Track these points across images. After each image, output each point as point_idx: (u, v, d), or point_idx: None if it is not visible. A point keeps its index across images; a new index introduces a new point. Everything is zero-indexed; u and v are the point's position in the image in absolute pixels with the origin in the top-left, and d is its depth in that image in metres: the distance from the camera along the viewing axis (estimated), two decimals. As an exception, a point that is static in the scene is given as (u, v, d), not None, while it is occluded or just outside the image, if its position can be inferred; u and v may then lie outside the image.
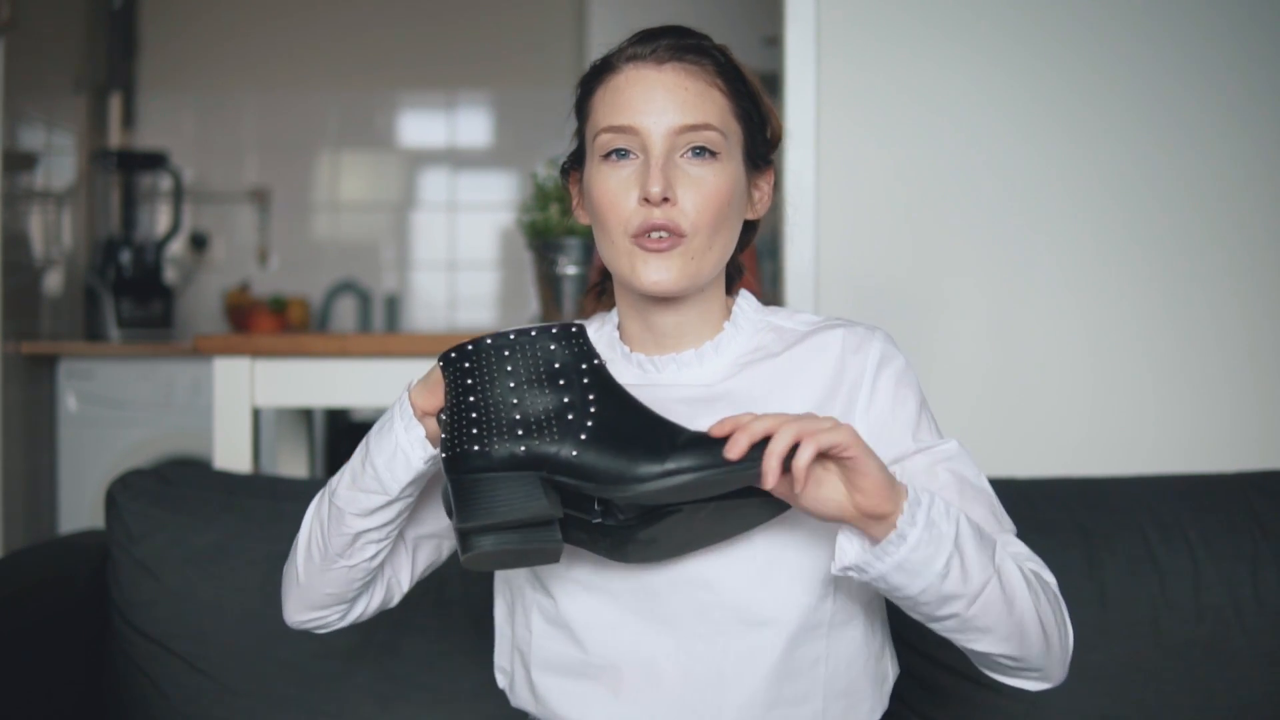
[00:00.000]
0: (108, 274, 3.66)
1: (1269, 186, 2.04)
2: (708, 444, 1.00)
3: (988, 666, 1.15)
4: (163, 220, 3.99)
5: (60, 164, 3.57)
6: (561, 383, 1.04)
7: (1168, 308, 2.04)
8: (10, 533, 3.02)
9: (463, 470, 1.02)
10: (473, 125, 4.21)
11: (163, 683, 1.59)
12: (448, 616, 1.58)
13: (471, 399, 1.04)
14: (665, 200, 1.13)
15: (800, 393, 1.18)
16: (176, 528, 1.62)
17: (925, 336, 2.05)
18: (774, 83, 2.18)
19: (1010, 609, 1.09)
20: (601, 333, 1.28)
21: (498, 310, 4.13)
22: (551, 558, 1.05)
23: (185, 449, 3.37)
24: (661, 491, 0.99)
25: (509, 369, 1.05)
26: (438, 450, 1.09)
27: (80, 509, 3.32)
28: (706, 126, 1.16)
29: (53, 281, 3.45)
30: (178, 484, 1.67)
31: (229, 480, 1.73)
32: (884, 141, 2.08)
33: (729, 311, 1.23)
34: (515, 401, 1.04)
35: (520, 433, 1.02)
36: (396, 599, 1.27)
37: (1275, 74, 2.04)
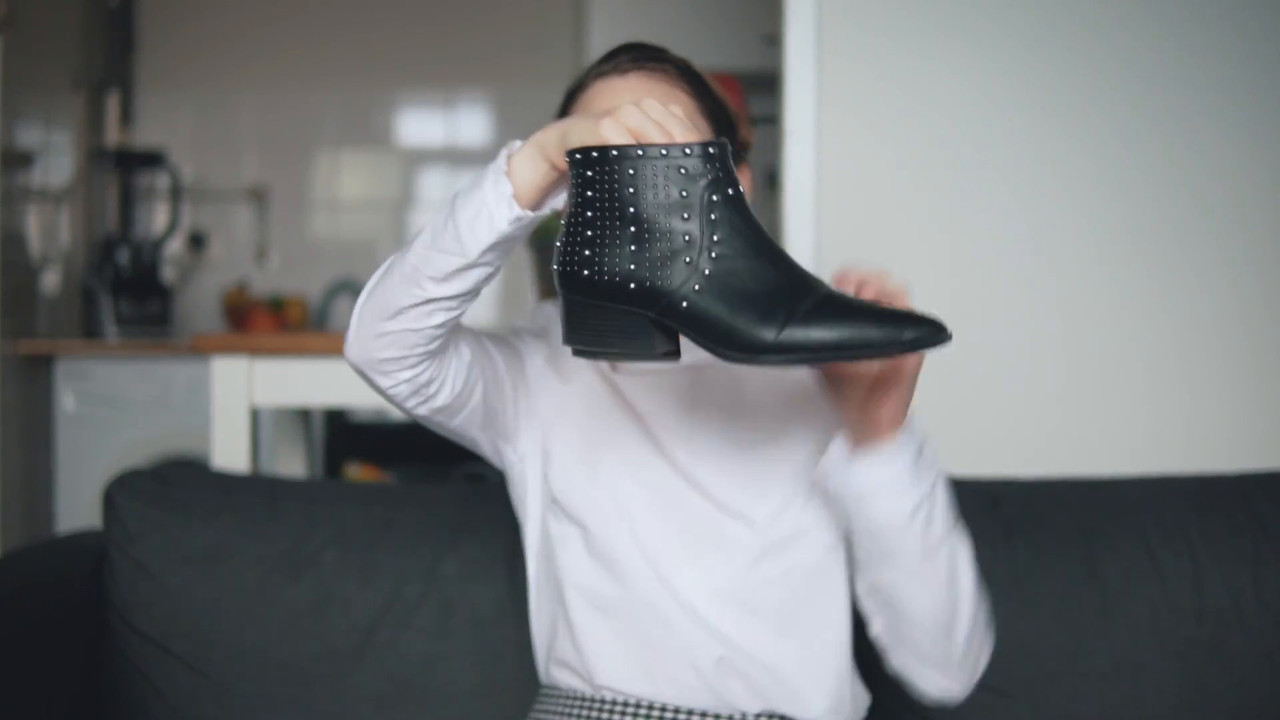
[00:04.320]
0: (105, 273, 3.65)
1: (1270, 185, 2.03)
2: (834, 312, 0.91)
3: (903, 646, 1.20)
4: (160, 219, 3.98)
5: (58, 162, 3.56)
6: (685, 215, 0.92)
7: (1169, 307, 2.04)
8: (8, 533, 3.02)
9: (570, 290, 0.95)
10: (471, 124, 4.21)
11: (160, 683, 1.58)
12: (447, 616, 1.57)
13: (590, 213, 0.94)
14: None
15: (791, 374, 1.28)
16: (174, 528, 1.61)
17: (925, 336, 2.05)
18: (774, 82, 2.18)
19: (952, 585, 1.15)
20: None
21: (496, 309, 4.13)
22: (662, 361, 0.99)
23: (183, 449, 3.36)
24: (772, 364, 0.92)
25: (631, 190, 0.93)
26: (525, 211, 1.03)
27: (78, 509, 3.32)
28: None
29: (50, 280, 3.45)
30: (176, 484, 1.66)
31: (227, 480, 1.72)
32: (885, 140, 2.07)
33: None
34: (633, 229, 0.93)
35: (633, 266, 0.93)
36: (442, 395, 1.21)
37: (1276, 71, 2.03)
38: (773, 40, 2.42)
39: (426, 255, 1.07)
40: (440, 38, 4.10)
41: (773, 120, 2.23)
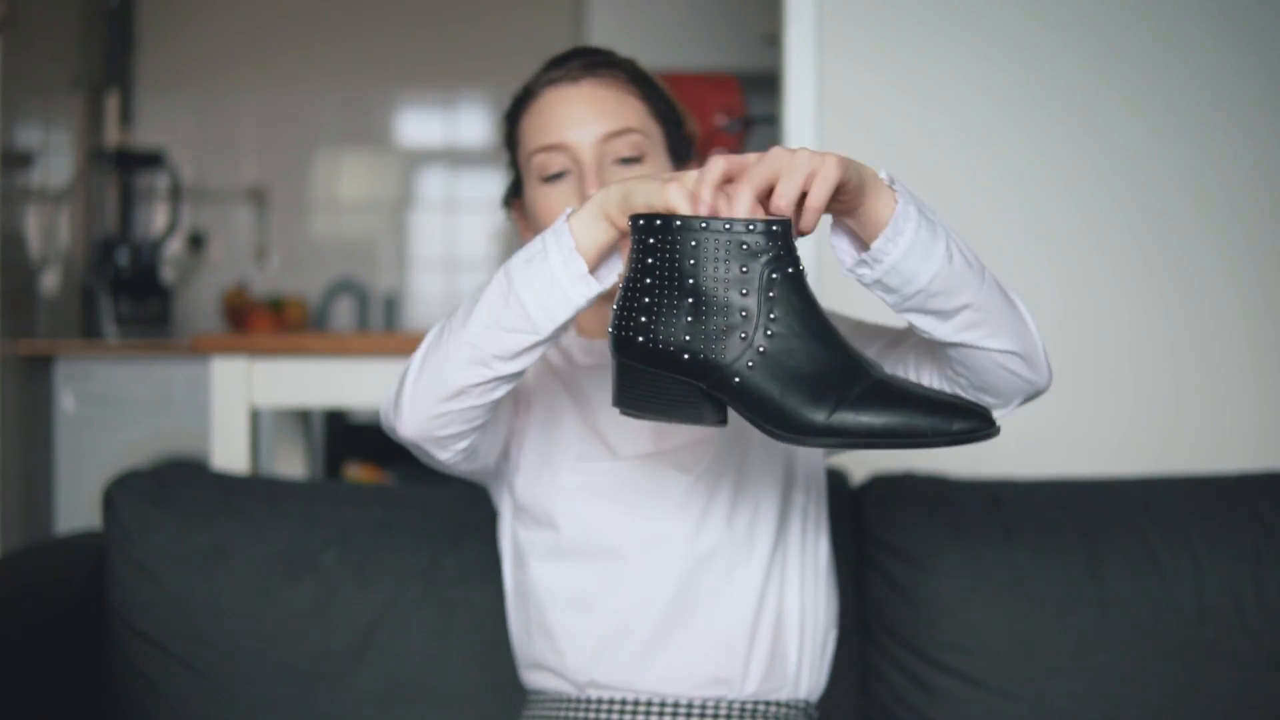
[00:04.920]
0: (105, 273, 3.65)
1: (1270, 185, 2.03)
2: (885, 398, 0.92)
3: (995, 385, 1.15)
4: (160, 219, 3.98)
5: (57, 162, 3.56)
6: (744, 290, 0.93)
7: (1168, 306, 2.04)
8: (7, 533, 3.02)
9: (625, 355, 0.95)
10: (471, 124, 4.20)
11: (160, 684, 1.58)
12: (448, 617, 1.57)
13: (649, 280, 0.95)
14: None
15: None
16: (174, 528, 1.61)
17: (925, 336, 2.05)
18: (774, 82, 2.18)
19: (1005, 298, 1.11)
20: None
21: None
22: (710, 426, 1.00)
23: (183, 449, 3.36)
24: (820, 445, 0.94)
25: (692, 261, 0.93)
26: (598, 286, 1.03)
27: (77, 509, 3.31)
28: (629, 130, 1.27)
29: (50, 281, 3.44)
30: (175, 485, 1.66)
31: (227, 481, 1.72)
32: (885, 140, 2.07)
33: None
34: (691, 300, 0.94)
35: (688, 338, 0.94)
36: (484, 447, 1.24)
37: (1276, 71, 2.03)
38: (773, 40, 2.42)
39: (491, 335, 1.06)
40: (440, 38, 4.10)
41: (773, 120, 2.23)
